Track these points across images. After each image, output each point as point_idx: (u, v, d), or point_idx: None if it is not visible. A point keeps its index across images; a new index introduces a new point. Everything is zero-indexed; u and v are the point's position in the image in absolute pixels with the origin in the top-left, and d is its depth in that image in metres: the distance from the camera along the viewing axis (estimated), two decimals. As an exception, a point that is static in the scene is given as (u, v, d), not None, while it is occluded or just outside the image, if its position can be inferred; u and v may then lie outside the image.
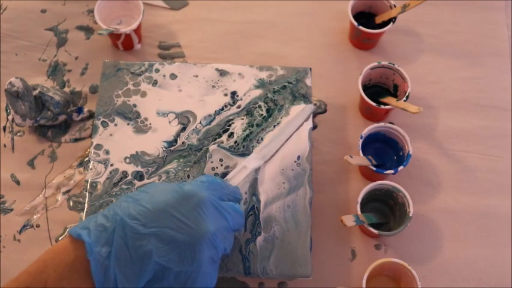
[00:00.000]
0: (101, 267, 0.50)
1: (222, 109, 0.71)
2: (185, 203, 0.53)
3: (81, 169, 0.76)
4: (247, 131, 0.69)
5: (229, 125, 0.70)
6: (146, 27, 0.84)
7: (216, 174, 0.67)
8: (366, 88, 0.77)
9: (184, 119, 0.70)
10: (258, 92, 0.72)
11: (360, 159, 0.70)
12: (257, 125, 0.70)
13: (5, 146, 0.77)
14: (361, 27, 0.78)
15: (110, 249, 0.50)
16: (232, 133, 0.69)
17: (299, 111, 0.70)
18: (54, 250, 0.52)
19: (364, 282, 0.64)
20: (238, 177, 0.64)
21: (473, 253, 0.72)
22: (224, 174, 0.67)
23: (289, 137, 0.68)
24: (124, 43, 0.82)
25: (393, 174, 0.70)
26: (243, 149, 0.68)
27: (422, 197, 0.74)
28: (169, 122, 0.70)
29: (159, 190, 0.55)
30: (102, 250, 0.50)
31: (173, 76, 0.73)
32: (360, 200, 0.68)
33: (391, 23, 0.79)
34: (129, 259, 0.51)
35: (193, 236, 0.52)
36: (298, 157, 0.68)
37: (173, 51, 0.84)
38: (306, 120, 0.69)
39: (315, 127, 0.78)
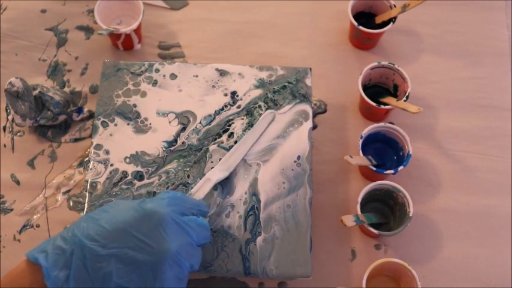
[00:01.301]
0: None
1: (222, 109, 0.71)
2: (146, 222, 0.52)
3: (81, 169, 0.76)
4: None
5: (229, 125, 0.70)
6: (146, 27, 0.84)
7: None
8: (366, 88, 0.77)
9: (184, 119, 0.70)
10: (258, 92, 0.72)
11: (360, 159, 0.70)
12: (257, 125, 0.70)
13: (5, 146, 0.77)
14: (361, 27, 0.78)
15: (68, 273, 0.49)
16: (232, 133, 0.69)
17: (260, 118, 0.69)
18: (12, 274, 0.51)
19: (364, 282, 0.64)
20: (202, 190, 0.62)
21: (473, 253, 0.72)
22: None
23: (251, 146, 0.67)
24: (124, 43, 0.82)
25: (393, 174, 0.70)
26: (243, 149, 0.69)
27: (422, 197, 0.74)
28: (169, 122, 0.70)
29: (119, 209, 0.53)
30: (60, 274, 0.49)
31: (173, 76, 0.73)
32: (360, 200, 0.68)
33: (391, 23, 0.79)
34: (89, 282, 0.50)
35: (155, 256, 0.50)
36: (298, 157, 0.68)
37: (173, 51, 0.84)
38: (269, 125, 0.69)
39: (315, 127, 0.78)
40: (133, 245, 0.51)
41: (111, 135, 0.69)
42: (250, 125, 0.70)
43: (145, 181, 0.67)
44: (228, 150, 0.68)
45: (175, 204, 0.55)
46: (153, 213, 0.52)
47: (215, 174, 0.65)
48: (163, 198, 0.55)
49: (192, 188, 0.63)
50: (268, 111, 0.69)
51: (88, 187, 0.67)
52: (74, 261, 0.50)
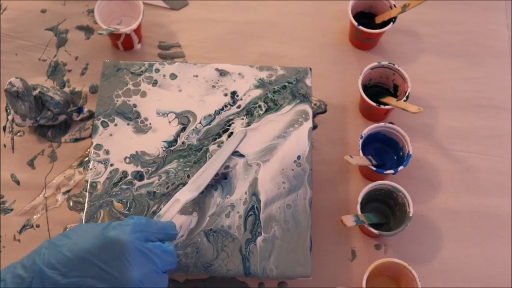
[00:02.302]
0: None
1: (222, 109, 0.71)
2: (108, 250, 0.50)
3: (81, 169, 0.76)
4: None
5: (229, 125, 0.70)
6: (146, 27, 0.84)
7: (216, 174, 0.67)
8: (366, 88, 0.77)
9: (184, 119, 0.70)
10: (258, 92, 0.72)
11: (360, 159, 0.70)
12: (257, 125, 0.70)
13: (5, 146, 0.77)
14: (361, 27, 0.78)
15: None
16: (232, 133, 0.69)
17: (231, 136, 0.68)
18: None
19: (364, 282, 0.64)
20: (171, 212, 0.61)
21: (473, 253, 0.72)
22: (224, 175, 0.67)
23: (222, 164, 0.66)
24: (124, 43, 0.82)
25: (393, 174, 0.70)
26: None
27: (422, 197, 0.74)
28: (169, 122, 0.70)
29: (82, 236, 0.52)
30: None
31: (173, 76, 0.73)
32: (360, 200, 0.68)
33: (391, 23, 0.79)
34: None
35: (116, 285, 0.50)
36: (298, 157, 0.68)
37: (173, 51, 0.84)
38: (238, 144, 0.68)
39: (315, 127, 0.78)
40: (95, 274, 0.50)
41: (111, 135, 0.69)
42: (250, 125, 0.70)
43: (145, 181, 0.67)
44: (228, 150, 0.68)
45: (139, 231, 0.53)
46: (116, 241, 0.51)
47: (184, 194, 0.63)
48: (127, 224, 0.53)
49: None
50: (240, 129, 0.69)
51: (88, 187, 0.67)
52: None
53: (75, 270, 0.49)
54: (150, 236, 0.54)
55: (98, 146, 0.69)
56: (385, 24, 0.80)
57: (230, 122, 0.70)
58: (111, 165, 0.68)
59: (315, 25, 0.86)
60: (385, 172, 0.70)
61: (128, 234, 0.52)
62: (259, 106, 0.71)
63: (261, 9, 0.87)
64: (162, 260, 0.54)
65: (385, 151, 0.76)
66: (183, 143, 0.69)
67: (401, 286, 0.68)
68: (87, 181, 0.67)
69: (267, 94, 0.72)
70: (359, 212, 0.68)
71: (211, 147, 0.69)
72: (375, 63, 0.76)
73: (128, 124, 0.70)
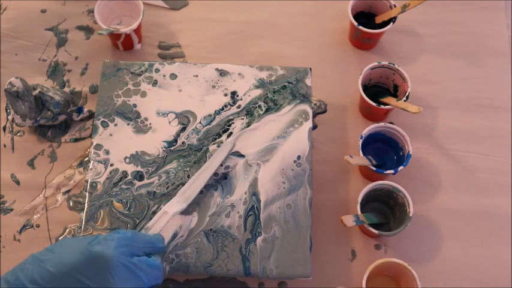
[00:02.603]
0: None
1: (222, 109, 0.71)
2: (92, 266, 0.50)
3: (81, 169, 0.76)
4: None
5: (229, 125, 0.70)
6: (146, 27, 0.84)
7: (216, 174, 0.67)
8: (366, 88, 0.77)
9: (184, 119, 0.70)
10: (258, 92, 0.72)
11: (360, 159, 0.70)
12: (257, 125, 0.70)
13: (5, 146, 0.77)
14: (361, 27, 0.78)
15: None
16: (232, 133, 0.69)
17: (220, 148, 0.68)
18: None
19: (364, 282, 0.64)
20: (159, 224, 0.61)
21: (473, 253, 0.72)
22: (224, 175, 0.67)
23: (211, 176, 0.66)
24: (124, 43, 0.82)
25: (393, 174, 0.70)
26: (243, 149, 0.69)
27: (422, 197, 0.74)
28: (169, 122, 0.70)
29: (66, 251, 0.51)
30: None
31: (173, 76, 0.73)
32: (360, 200, 0.68)
33: (391, 23, 0.79)
34: None
35: None
36: (298, 157, 0.68)
37: (173, 51, 0.84)
38: (228, 154, 0.67)
39: (315, 127, 0.78)
40: None
41: (111, 135, 0.69)
42: (250, 125, 0.70)
43: (145, 181, 0.67)
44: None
45: (124, 245, 0.53)
46: (100, 256, 0.50)
47: (172, 206, 0.63)
48: (112, 239, 0.52)
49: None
50: (228, 139, 0.68)
51: (88, 187, 0.67)
52: None
53: (59, 287, 0.49)
54: (136, 250, 0.54)
55: (98, 146, 0.69)
56: (385, 24, 0.80)
57: (230, 122, 0.70)
58: (111, 165, 0.68)
59: (315, 25, 0.86)
60: (385, 172, 0.70)
61: (113, 249, 0.51)
62: (259, 106, 0.71)
63: (261, 9, 0.87)
64: (148, 274, 0.53)
65: (385, 151, 0.76)
66: (183, 143, 0.69)
67: (401, 286, 0.68)
68: (87, 181, 0.67)
69: (267, 94, 0.72)
70: (359, 212, 0.68)
71: (211, 147, 0.69)
72: (375, 63, 0.76)
73: (128, 124, 0.70)
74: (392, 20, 0.79)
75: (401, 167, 0.70)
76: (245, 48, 0.84)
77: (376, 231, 0.66)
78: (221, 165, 0.67)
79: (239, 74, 0.73)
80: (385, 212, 0.73)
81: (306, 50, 0.84)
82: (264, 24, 0.86)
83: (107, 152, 0.69)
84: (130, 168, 0.68)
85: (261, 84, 0.72)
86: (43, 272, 0.50)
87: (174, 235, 0.64)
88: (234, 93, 0.72)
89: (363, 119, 0.79)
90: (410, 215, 0.67)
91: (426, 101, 0.80)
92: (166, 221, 0.61)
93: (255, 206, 0.66)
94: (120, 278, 0.51)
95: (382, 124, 0.73)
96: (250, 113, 0.71)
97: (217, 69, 0.73)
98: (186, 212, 0.65)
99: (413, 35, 0.85)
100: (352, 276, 0.70)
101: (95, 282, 0.50)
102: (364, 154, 0.71)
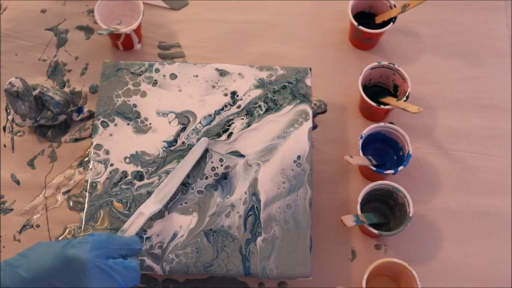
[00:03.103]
0: None
1: (222, 109, 0.71)
2: (66, 270, 0.49)
3: (81, 169, 0.76)
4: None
5: (229, 125, 0.70)
6: (146, 27, 0.84)
7: (216, 174, 0.67)
8: (366, 88, 0.77)
9: (184, 119, 0.70)
10: (258, 92, 0.72)
11: (360, 159, 0.70)
12: (257, 125, 0.70)
13: (5, 146, 0.77)
14: (361, 27, 0.78)
15: None
16: (232, 133, 0.69)
17: (195, 146, 0.68)
18: None
19: (364, 282, 0.64)
20: (135, 226, 0.61)
21: (473, 253, 0.72)
22: (224, 175, 0.67)
23: (186, 175, 0.66)
24: (124, 43, 0.82)
25: (393, 174, 0.70)
26: (243, 149, 0.69)
27: (422, 197, 0.74)
28: (169, 122, 0.70)
29: (40, 255, 0.50)
30: None
31: (173, 76, 0.73)
32: (360, 200, 0.68)
33: (391, 23, 0.79)
34: None
35: None
36: (298, 157, 0.68)
37: (173, 51, 0.84)
38: (203, 153, 0.67)
39: (315, 127, 0.78)
40: None
41: (111, 135, 0.69)
42: (250, 125, 0.70)
43: (145, 181, 0.67)
44: (228, 150, 0.68)
45: (99, 248, 0.52)
46: (75, 259, 0.49)
47: (148, 207, 0.63)
48: (87, 242, 0.52)
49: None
50: (203, 138, 0.68)
51: (88, 187, 0.67)
52: None
53: None
54: (112, 252, 0.53)
55: (98, 146, 0.69)
56: (385, 24, 0.80)
57: (230, 122, 0.70)
58: (111, 165, 0.68)
59: (315, 25, 0.86)
60: (385, 172, 0.70)
61: (88, 252, 0.50)
62: (259, 106, 0.71)
63: (261, 9, 0.87)
64: (124, 276, 0.53)
65: (385, 151, 0.76)
66: (183, 143, 0.69)
67: (401, 286, 0.68)
68: (87, 181, 0.67)
69: (267, 94, 0.72)
70: (359, 212, 0.68)
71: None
72: (375, 63, 0.76)
73: (128, 124, 0.70)
74: (392, 20, 0.79)
75: (401, 167, 0.70)
76: (245, 48, 0.84)
77: (376, 231, 0.66)
78: (221, 165, 0.67)
79: (239, 74, 0.73)
80: (385, 212, 0.73)
81: (306, 50, 0.84)
82: (264, 24, 0.86)
83: (107, 152, 0.69)
84: (130, 168, 0.68)
85: (261, 84, 0.72)
86: (16, 278, 0.49)
87: (174, 235, 0.64)
88: (234, 93, 0.72)
89: (363, 119, 0.79)
90: (410, 215, 0.67)
91: (426, 101, 0.80)
92: (143, 222, 0.61)
93: (255, 206, 0.66)
94: (95, 280, 0.50)
95: (382, 124, 0.73)
96: (250, 113, 0.71)
97: (217, 69, 0.73)
98: (186, 212, 0.65)
99: (413, 35, 0.85)
100: (352, 276, 0.70)
101: (70, 286, 0.49)
102: (364, 154, 0.71)
